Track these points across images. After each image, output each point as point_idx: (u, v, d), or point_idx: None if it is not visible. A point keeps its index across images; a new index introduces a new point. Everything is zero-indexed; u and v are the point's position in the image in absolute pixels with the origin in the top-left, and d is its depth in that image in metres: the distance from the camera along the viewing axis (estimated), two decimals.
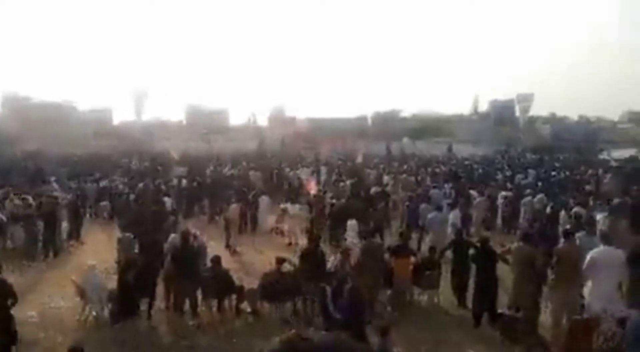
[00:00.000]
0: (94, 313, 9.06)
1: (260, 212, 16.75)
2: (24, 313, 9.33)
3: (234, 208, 14.97)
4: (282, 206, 16.46)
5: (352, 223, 13.20)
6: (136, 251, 10.36)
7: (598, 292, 7.75)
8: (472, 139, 55.09)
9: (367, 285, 9.70)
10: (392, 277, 9.83)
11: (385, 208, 16.14)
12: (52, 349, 7.97)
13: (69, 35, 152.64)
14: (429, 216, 13.28)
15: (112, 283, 9.38)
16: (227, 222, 14.73)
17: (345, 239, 12.25)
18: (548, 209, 14.75)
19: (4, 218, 13.47)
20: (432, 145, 49.80)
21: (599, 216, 12.77)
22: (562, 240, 8.86)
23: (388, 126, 64.96)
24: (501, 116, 76.98)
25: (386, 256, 10.18)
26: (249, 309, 9.43)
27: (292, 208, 15.52)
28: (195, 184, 20.21)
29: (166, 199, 16.42)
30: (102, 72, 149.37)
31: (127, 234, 11.39)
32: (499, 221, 16.98)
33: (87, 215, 17.45)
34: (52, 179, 21.76)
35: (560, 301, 8.01)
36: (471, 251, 9.65)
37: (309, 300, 9.26)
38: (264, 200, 17.04)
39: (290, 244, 14.12)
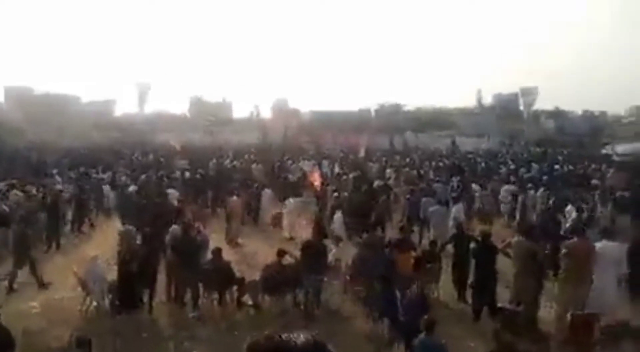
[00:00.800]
0: (95, 304, 9.10)
1: (262, 205, 16.77)
2: (26, 304, 9.42)
3: (235, 201, 14.98)
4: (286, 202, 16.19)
5: (337, 216, 13.22)
6: (138, 242, 10.38)
7: (598, 287, 7.75)
8: (475, 132, 54.82)
9: (368, 278, 9.76)
10: (393, 270, 9.83)
11: (387, 201, 16.11)
12: (53, 340, 8.01)
13: (71, 27, 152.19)
14: (430, 209, 13.28)
15: (114, 274, 9.41)
16: (228, 215, 14.75)
17: (333, 231, 12.29)
18: (550, 203, 14.72)
19: (7, 209, 13.49)
20: (435, 139, 49.67)
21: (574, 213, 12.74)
22: (568, 235, 8.84)
23: (391, 119, 64.56)
24: (505, 110, 76.51)
25: (387, 249, 10.20)
26: (250, 302, 9.46)
27: (288, 203, 15.49)
28: (197, 176, 20.20)
29: (171, 190, 16.41)
30: (104, 63, 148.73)
31: (128, 226, 11.41)
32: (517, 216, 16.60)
33: (90, 207, 17.41)
34: (55, 171, 21.77)
35: (569, 296, 8.00)
36: (472, 245, 9.64)
37: (310, 292, 9.30)
38: (266, 193, 17.05)
39: (291, 238, 14.11)
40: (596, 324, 7.27)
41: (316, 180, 20.24)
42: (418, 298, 6.89)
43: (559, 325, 8.03)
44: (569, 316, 7.69)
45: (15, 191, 15.05)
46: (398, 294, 7.43)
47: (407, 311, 6.96)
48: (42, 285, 10.38)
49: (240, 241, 14.20)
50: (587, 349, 7.10)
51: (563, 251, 8.38)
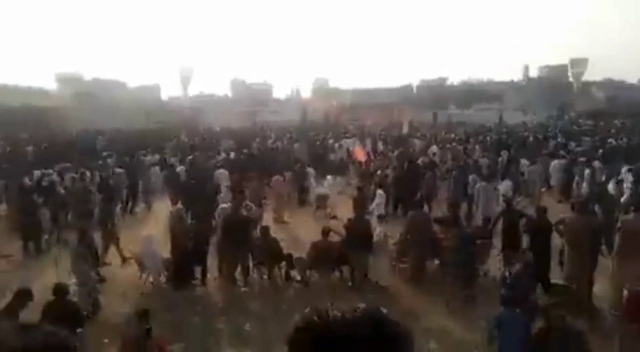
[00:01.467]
0: (150, 280, 9.48)
1: (305, 183, 16.90)
2: None
3: (279, 180, 15.16)
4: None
5: (379, 192, 13.19)
6: (189, 221, 10.70)
7: None
8: (523, 106, 53.18)
9: (414, 256, 9.75)
10: (441, 247, 9.77)
11: (433, 178, 15.91)
12: (112, 315, 8.41)
13: (117, 14, 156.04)
14: (477, 186, 13.05)
15: (168, 252, 9.76)
16: (274, 194, 14.97)
17: (372, 209, 12.29)
18: (603, 177, 14.19)
19: (63, 191, 14.13)
20: (481, 113, 48.47)
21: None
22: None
23: (435, 94, 63.47)
24: (554, 82, 73.80)
25: (434, 226, 10.14)
26: (298, 277, 9.64)
27: (326, 181, 15.57)
28: (242, 156, 20.54)
29: (222, 170, 16.80)
30: (149, 48, 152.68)
31: (178, 206, 11.74)
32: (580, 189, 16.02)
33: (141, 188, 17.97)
34: (106, 154, 22.55)
35: (624, 273, 7.74)
36: (522, 221, 9.43)
37: (356, 269, 9.39)
38: (309, 171, 17.17)
39: (334, 216, 14.21)
40: None
41: (359, 157, 20.21)
42: (524, 271, 6.78)
43: (615, 302, 7.80)
44: (625, 292, 7.45)
45: (71, 174, 15.72)
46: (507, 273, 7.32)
47: (515, 284, 6.87)
48: (124, 260, 10.82)
49: (286, 219, 14.41)
50: None
51: (618, 226, 8.12)
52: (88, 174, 15.88)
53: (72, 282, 8.31)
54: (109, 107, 49.76)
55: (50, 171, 16.54)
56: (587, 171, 15.47)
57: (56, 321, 6.04)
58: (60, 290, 6.73)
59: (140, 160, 19.89)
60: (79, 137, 31.57)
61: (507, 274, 7.26)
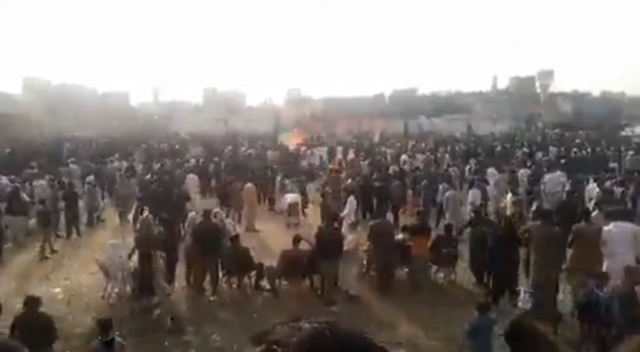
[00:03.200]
0: (116, 290, 9.26)
1: (276, 191, 16.85)
2: (50, 290, 9.63)
3: (250, 187, 15.06)
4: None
5: (350, 199, 13.26)
6: (156, 229, 10.51)
7: (613, 269, 7.68)
8: (491, 116, 54.28)
9: (380, 263, 9.78)
10: (409, 256, 9.84)
11: (402, 187, 16.05)
12: (76, 325, 8.19)
13: (86, 18, 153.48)
14: (446, 194, 13.23)
15: (134, 260, 9.55)
16: (246, 201, 14.85)
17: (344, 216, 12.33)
18: (567, 187, 14.54)
19: (27, 198, 13.75)
20: (450, 123, 49.27)
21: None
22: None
23: (406, 104, 64.16)
24: (521, 93, 75.58)
25: (402, 235, 10.20)
26: (267, 286, 9.56)
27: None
28: (212, 164, 20.35)
29: (191, 175, 16.80)
30: (120, 54, 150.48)
31: (147, 215, 11.57)
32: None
33: (108, 195, 17.61)
34: (72, 160, 22.03)
35: (579, 279, 7.94)
36: (490, 230, 9.56)
37: (326, 278, 9.36)
38: (281, 179, 17.12)
39: (296, 223, 14.25)
40: None
41: (331, 165, 20.29)
42: (628, 296, 6.35)
43: (572, 308, 7.97)
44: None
45: (41, 181, 15.35)
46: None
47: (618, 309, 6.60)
48: None
49: (257, 227, 14.31)
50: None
51: (570, 235, 8.35)
52: (56, 181, 15.50)
53: (42, 290, 8.05)
54: (76, 113, 48.69)
55: (14, 177, 16.08)
56: (553, 180, 15.81)
57: (25, 333, 5.85)
58: (31, 302, 6.52)
59: (107, 168, 19.50)
60: (45, 143, 30.80)
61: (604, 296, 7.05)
